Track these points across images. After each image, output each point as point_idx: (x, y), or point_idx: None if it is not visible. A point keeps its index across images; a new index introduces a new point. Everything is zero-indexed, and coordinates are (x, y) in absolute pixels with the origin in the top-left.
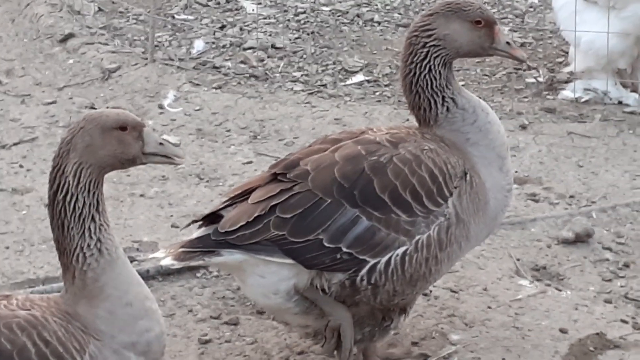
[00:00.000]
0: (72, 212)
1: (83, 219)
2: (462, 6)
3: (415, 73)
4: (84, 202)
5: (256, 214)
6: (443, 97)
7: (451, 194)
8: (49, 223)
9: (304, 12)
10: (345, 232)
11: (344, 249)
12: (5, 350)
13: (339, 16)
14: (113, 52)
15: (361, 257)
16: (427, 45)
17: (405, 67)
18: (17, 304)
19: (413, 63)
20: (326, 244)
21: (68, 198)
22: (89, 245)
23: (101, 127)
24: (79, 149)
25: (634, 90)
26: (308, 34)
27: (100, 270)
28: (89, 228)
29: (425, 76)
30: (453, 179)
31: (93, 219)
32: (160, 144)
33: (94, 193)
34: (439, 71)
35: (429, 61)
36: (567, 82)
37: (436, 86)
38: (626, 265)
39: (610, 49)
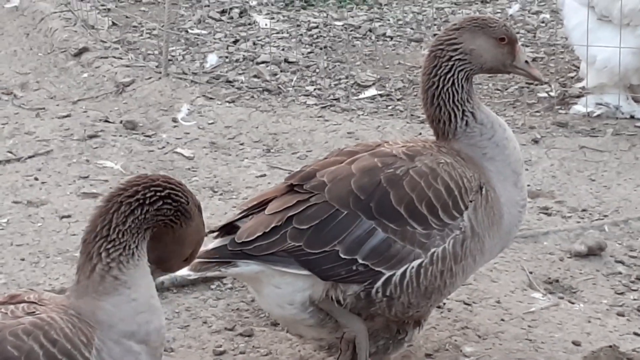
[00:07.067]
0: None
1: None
2: (489, 23)
3: (438, 86)
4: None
5: (273, 225)
6: (463, 111)
7: (467, 208)
8: (64, 235)
9: (317, 27)
10: (361, 244)
11: (360, 261)
12: (12, 357)
13: (351, 31)
14: (127, 66)
15: (377, 269)
16: (453, 58)
17: (428, 79)
18: (24, 308)
19: (437, 76)
20: (342, 256)
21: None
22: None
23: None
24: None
25: None
26: (321, 49)
27: (125, 270)
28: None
29: (447, 89)
30: (469, 193)
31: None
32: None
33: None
34: (462, 85)
35: (453, 74)
36: (579, 96)
37: (458, 100)
38: (638, 279)
39: (624, 65)
